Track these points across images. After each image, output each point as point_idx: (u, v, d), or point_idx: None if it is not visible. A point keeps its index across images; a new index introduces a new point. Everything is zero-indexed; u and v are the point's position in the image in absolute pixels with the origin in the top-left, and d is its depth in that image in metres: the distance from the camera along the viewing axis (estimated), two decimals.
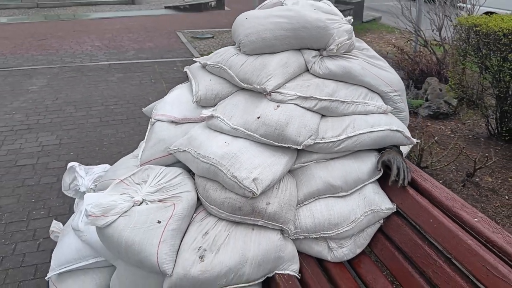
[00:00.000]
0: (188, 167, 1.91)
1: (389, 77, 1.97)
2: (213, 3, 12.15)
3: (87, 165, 2.45)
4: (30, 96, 5.27)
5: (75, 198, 2.50)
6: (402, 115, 2.03)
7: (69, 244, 2.04)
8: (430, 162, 3.37)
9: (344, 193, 1.80)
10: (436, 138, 3.55)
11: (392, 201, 1.82)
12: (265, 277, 1.69)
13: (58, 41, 8.14)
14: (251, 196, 1.61)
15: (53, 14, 11.16)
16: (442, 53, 5.40)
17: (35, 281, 2.37)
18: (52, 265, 2.04)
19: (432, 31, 5.51)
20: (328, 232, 1.77)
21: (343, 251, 1.81)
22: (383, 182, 1.87)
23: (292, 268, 1.72)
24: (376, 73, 1.93)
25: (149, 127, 2.15)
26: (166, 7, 12.14)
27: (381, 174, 1.85)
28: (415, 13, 5.87)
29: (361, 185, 1.83)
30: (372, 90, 1.93)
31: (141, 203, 1.74)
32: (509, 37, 3.35)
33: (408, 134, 1.91)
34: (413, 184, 1.77)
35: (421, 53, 5.64)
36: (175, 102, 2.11)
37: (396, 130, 1.85)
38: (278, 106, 1.78)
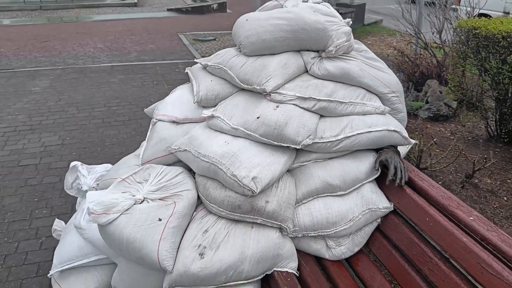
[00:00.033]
0: (188, 166, 1.94)
1: (387, 79, 2.00)
2: (215, 6, 12.21)
3: (89, 165, 2.48)
4: (33, 97, 5.31)
5: (77, 198, 2.53)
6: (400, 115, 2.06)
7: (71, 242, 2.07)
8: (430, 164, 3.39)
9: (342, 192, 1.83)
10: (435, 139, 3.57)
11: (389, 200, 1.85)
12: (264, 274, 1.72)
13: (61, 43, 8.20)
14: (251, 194, 1.64)
15: (56, 16, 11.23)
16: (443, 56, 5.43)
17: (38, 279, 2.40)
18: (55, 262, 2.07)
19: (433, 33, 5.54)
20: (326, 230, 1.79)
21: (341, 250, 1.84)
22: (380, 181, 1.89)
23: (291, 265, 1.75)
24: (375, 74, 1.96)
25: (150, 127, 2.18)
26: (168, 10, 12.21)
27: (378, 173, 1.88)
28: (416, 16, 5.89)
29: (359, 185, 1.85)
30: (370, 91, 1.96)
31: (142, 201, 1.77)
32: (508, 39, 3.38)
33: (406, 134, 1.93)
34: (410, 183, 1.80)
35: (422, 55, 5.67)
36: (176, 103, 2.14)
37: (394, 131, 1.87)
38: (277, 106, 1.81)
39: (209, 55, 2.24)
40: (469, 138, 4.16)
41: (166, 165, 2.00)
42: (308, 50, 1.99)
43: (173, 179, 1.88)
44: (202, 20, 10.81)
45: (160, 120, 2.09)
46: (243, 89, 2.00)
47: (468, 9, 5.23)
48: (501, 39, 3.42)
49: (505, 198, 3.17)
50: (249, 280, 1.69)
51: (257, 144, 1.80)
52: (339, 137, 1.79)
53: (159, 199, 1.78)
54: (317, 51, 1.98)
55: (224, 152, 1.75)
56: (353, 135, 1.81)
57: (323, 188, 1.80)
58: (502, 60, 3.49)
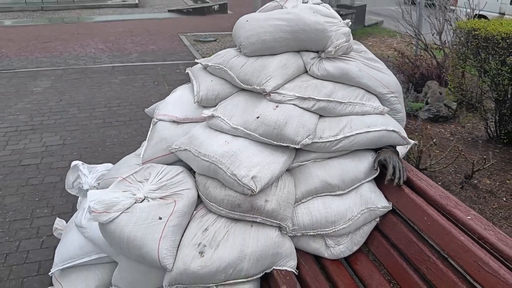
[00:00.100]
0: (189, 166, 1.96)
1: (386, 79, 2.01)
2: (216, 7, 12.24)
3: (90, 164, 2.49)
4: (34, 97, 5.33)
5: (78, 197, 2.55)
6: (398, 116, 2.07)
7: (72, 240, 2.08)
8: (429, 164, 3.41)
9: (341, 192, 1.84)
10: (434, 140, 3.58)
11: (388, 199, 1.86)
12: (263, 272, 1.73)
13: (62, 43, 8.23)
14: (250, 193, 1.65)
15: (57, 17, 11.26)
16: (443, 57, 5.45)
17: (39, 277, 2.42)
18: (56, 260, 2.08)
19: (433, 35, 5.56)
20: (325, 229, 1.81)
21: (340, 248, 1.85)
22: (379, 181, 1.91)
23: (290, 264, 1.76)
24: (374, 75, 1.97)
25: (151, 126, 2.19)
26: (169, 11, 12.23)
27: (377, 173, 1.89)
28: (416, 17, 5.91)
29: (358, 184, 1.87)
30: (369, 92, 1.97)
31: (143, 200, 1.78)
32: (507, 41, 3.40)
33: (404, 134, 1.95)
34: (409, 183, 1.81)
35: (422, 57, 5.69)
36: (176, 103, 2.16)
37: (393, 131, 1.89)
38: (277, 106, 1.83)
39: (210, 56, 2.26)
40: (469, 139, 4.17)
41: (167, 164, 2.02)
42: (307, 51, 2.00)
43: (174, 178, 1.89)
44: (203, 21, 10.83)
45: (160, 120, 2.11)
46: (243, 89, 2.02)
47: (468, 10, 5.25)
48: (500, 40, 3.43)
49: (504, 199, 3.18)
50: (249, 279, 1.70)
51: (257, 143, 1.82)
52: (338, 137, 1.81)
53: (160, 198, 1.80)
54: (317, 52, 1.99)
55: (224, 152, 1.76)
56: (352, 135, 1.82)
57: (322, 188, 1.82)
58: (501, 61, 3.51)
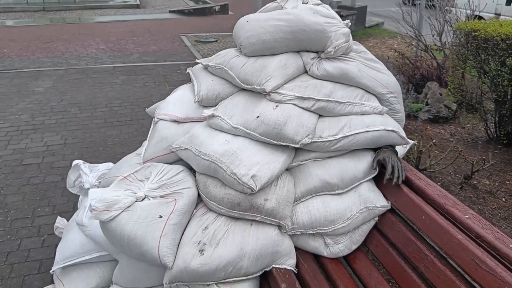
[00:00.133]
0: (189, 165, 1.97)
1: (385, 79, 2.03)
2: (217, 8, 12.26)
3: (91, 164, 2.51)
4: (36, 97, 5.35)
5: (79, 196, 2.57)
6: (398, 116, 2.08)
7: (74, 238, 2.10)
8: (429, 165, 3.42)
9: (340, 191, 1.86)
10: (434, 140, 3.59)
11: (386, 198, 1.87)
12: (263, 271, 1.74)
13: (63, 43, 8.25)
14: (250, 192, 1.67)
15: (59, 18, 11.29)
16: (443, 58, 5.46)
17: (40, 275, 2.43)
18: (57, 258, 2.10)
19: (433, 36, 5.57)
20: (324, 228, 1.82)
21: (339, 247, 1.86)
22: (378, 180, 1.92)
23: (289, 262, 1.77)
24: (373, 75, 1.99)
25: (152, 126, 2.21)
26: (170, 11, 12.26)
27: (376, 172, 1.91)
28: (416, 18, 5.92)
29: (357, 183, 1.88)
30: (368, 92, 1.99)
31: (143, 198, 1.80)
32: (507, 42, 3.41)
33: (403, 134, 1.96)
34: (407, 182, 1.83)
35: (422, 58, 5.70)
36: (177, 102, 2.17)
37: (391, 130, 1.90)
38: (277, 106, 1.84)
39: (211, 56, 2.27)
40: (469, 140, 4.18)
41: (167, 163, 2.03)
42: (307, 51, 2.02)
43: (174, 177, 1.91)
44: (204, 22, 10.85)
45: (161, 119, 2.13)
46: (243, 89, 2.03)
47: (468, 11, 5.26)
48: (500, 42, 3.45)
49: (504, 199, 3.19)
50: (248, 277, 1.72)
51: (257, 143, 1.83)
52: (338, 137, 1.82)
53: (160, 197, 1.81)
54: (316, 52, 2.01)
55: (224, 151, 1.78)
56: (351, 135, 1.84)
57: (322, 187, 1.83)
58: (501, 62, 3.52)
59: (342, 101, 1.89)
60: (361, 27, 9.88)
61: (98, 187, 2.28)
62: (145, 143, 2.29)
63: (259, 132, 1.80)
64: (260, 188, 1.68)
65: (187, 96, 2.20)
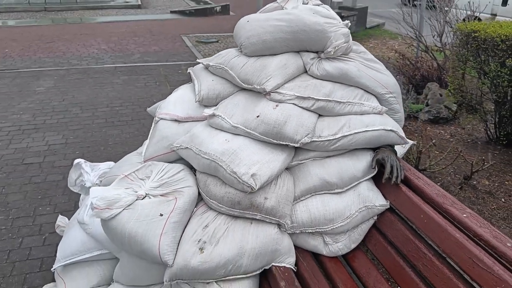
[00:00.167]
0: (189, 164, 1.99)
1: (385, 79, 2.04)
2: (218, 8, 12.28)
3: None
4: (37, 97, 5.38)
5: (80, 195, 2.58)
6: (397, 116, 2.10)
7: (75, 236, 2.11)
8: (428, 165, 3.43)
9: (339, 190, 1.87)
10: (434, 141, 3.60)
11: (385, 198, 1.89)
12: (262, 269, 1.76)
13: (65, 44, 8.27)
14: (250, 191, 1.68)
15: (60, 18, 11.32)
16: (443, 59, 5.47)
17: (41, 273, 2.45)
18: (58, 256, 2.11)
19: (433, 37, 5.58)
20: (324, 227, 1.83)
21: (338, 246, 1.88)
22: (377, 179, 1.93)
23: (289, 261, 1.79)
24: (372, 75, 2.00)
25: (153, 125, 2.23)
26: (171, 12, 12.28)
27: (375, 172, 1.92)
28: (417, 19, 5.93)
29: (356, 183, 1.89)
30: (368, 92, 2.00)
31: (144, 197, 1.81)
32: (507, 43, 3.42)
33: (402, 134, 1.97)
34: (406, 181, 1.84)
35: (422, 58, 5.71)
36: (178, 102, 2.19)
37: (391, 130, 1.91)
38: (277, 106, 1.86)
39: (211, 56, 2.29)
40: (469, 140, 4.19)
41: (168, 162, 2.05)
42: (307, 51, 2.03)
43: (175, 176, 1.92)
44: (205, 22, 10.88)
45: (162, 118, 2.14)
46: (243, 89, 2.05)
47: (468, 12, 5.28)
48: (500, 42, 3.46)
49: (503, 200, 3.20)
50: (248, 275, 1.73)
51: (257, 142, 1.85)
52: (337, 136, 1.83)
53: (161, 195, 1.83)
54: (316, 52, 2.02)
55: (225, 150, 1.79)
56: (351, 134, 1.85)
57: (321, 186, 1.85)
58: (501, 63, 3.53)
59: (342, 101, 1.90)
60: (362, 28, 9.89)
61: (99, 185, 2.30)
62: (146, 142, 2.31)
63: (259, 131, 1.81)
64: (260, 186, 1.69)
65: (187, 95, 2.21)
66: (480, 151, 3.94)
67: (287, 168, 1.89)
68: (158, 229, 1.68)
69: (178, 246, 1.70)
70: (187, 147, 1.93)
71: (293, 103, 1.87)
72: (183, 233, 1.75)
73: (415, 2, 6.28)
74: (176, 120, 2.12)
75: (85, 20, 11.05)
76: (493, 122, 4.04)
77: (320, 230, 1.84)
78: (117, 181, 1.91)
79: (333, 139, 1.83)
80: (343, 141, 1.84)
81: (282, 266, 1.75)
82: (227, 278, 1.70)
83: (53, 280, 2.23)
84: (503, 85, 3.59)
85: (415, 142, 2.92)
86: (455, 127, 4.50)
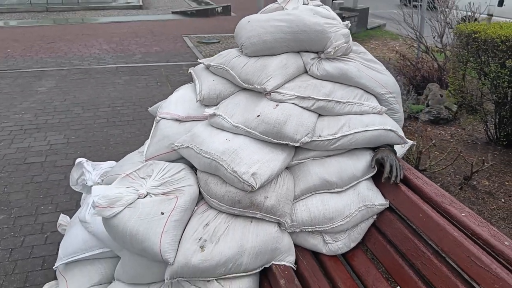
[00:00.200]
0: (190, 163, 2.00)
1: (384, 80, 2.05)
2: (219, 9, 12.31)
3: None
4: (39, 97, 5.40)
5: (81, 194, 2.60)
6: (396, 116, 2.11)
7: (76, 235, 2.13)
8: (428, 165, 3.44)
9: (339, 189, 1.89)
10: (434, 141, 3.61)
11: (385, 197, 1.90)
12: (263, 267, 1.77)
13: (66, 44, 8.30)
14: (250, 190, 1.69)
15: (62, 18, 11.35)
16: (444, 60, 5.48)
17: (43, 272, 2.47)
18: (60, 255, 2.13)
19: (434, 38, 5.60)
20: (324, 226, 1.85)
21: (338, 245, 1.89)
22: (376, 179, 1.95)
23: (288, 259, 1.80)
24: (372, 75, 2.02)
25: (154, 124, 2.24)
26: (173, 12, 12.31)
27: (375, 171, 1.93)
28: (418, 20, 5.94)
29: (356, 182, 1.91)
30: (367, 92, 2.01)
31: (145, 195, 1.83)
32: (507, 44, 3.43)
33: (402, 133, 1.99)
34: (405, 181, 1.85)
35: (423, 59, 5.72)
36: (179, 101, 2.20)
37: (390, 130, 1.93)
38: (277, 105, 1.87)
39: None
40: (469, 141, 4.20)
41: (169, 161, 2.06)
42: (307, 51, 2.05)
43: (176, 175, 1.94)
44: (206, 23, 10.90)
45: (163, 118, 2.16)
46: (244, 89, 2.06)
47: (468, 13, 5.29)
48: (500, 43, 3.47)
49: (503, 200, 3.21)
50: (248, 273, 1.74)
51: (257, 141, 1.86)
52: (337, 136, 1.85)
53: (162, 194, 1.84)
54: (316, 52, 2.04)
55: (225, 149, 1.81)
56: (351, 134, 1.86)
57: (321, 185, 1.86)
58: (501, 64, 3.54)
59: (342, 100, 1.92)
60: (363, 29, 9.91)
61: (101, 184, 2.31)
62: (147, 142, 2.32)
63: (260, 130, 1.83)
64: (260, 185, 1.70)
65: (188, 95, 2.23)
66: (480, 151, 3.95)
67: (287, 167, 1.91)
68: (159, 228, 1.70)
69: (179, 244, 1.72)
70: (188, 147, 1.95)
71: (293, 103, 1.88)
72: (184, 231, 1.77)
73: (415, 3, 6.29)
74: (177, 120, 2.14)
75: (86, 20, 11.09)
76: (493, 122, 4.05)
77: (319, 229, 1.85)
78: (118, 180, 1.92)
79: (333, 139, 1.84)
80: (343, 141, 1.86)
81: (282, 265, 1.77)
82: (227, 276, 1.72)
83: (55, 278, 2.25)
84: (503, 86, 3.60)
85: (414, 142, 2.93)
86: (455, 128, 4.51)
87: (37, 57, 7.29)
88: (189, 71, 2.41)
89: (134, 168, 1.99)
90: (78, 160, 2.42)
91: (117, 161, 2.49)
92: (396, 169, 1.85)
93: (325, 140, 1.84)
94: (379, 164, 1.93)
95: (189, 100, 2.19)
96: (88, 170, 2.38)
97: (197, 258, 1.65)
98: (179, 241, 1.72)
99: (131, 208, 1.76)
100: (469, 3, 5.32)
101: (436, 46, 5.62)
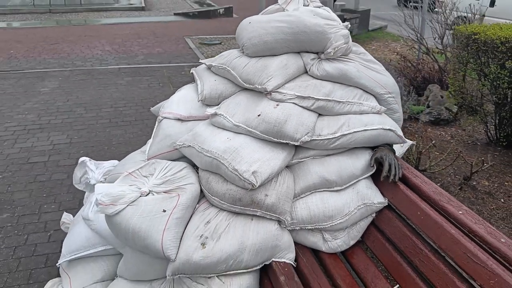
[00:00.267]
0: (192, 162, 2.03)
1: (384, 80, 2.08)
2: (221, 10, 12.35)
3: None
4: (42, 97, 5.44)
5: (84, 193, 2.63)
6: (396, 116, 2.14)
7: (79, 232, 2.16)
8: (428, 166, 3.46)
9: (338, 188, 1.91)
10: (434, 141, 3.64)
11: (384, 195, 1.93)
12: (263, 264, 1.80)
13: (69, 45, 8.35)
14: (251, 188, 1.72)
15: (65, 19, 11.41)
16: (444, 61, 5.50)
17: (46, 269, 2.50)
18: (63, 252, 2.16)
19: (434, 39, 5.62)
20: (323, 224, 1.87)
21: (337, 243, 1.91)
22: (376, 178, 1.97)
23: (288, 256, 1.83)
24: (372, 75, 2.04)
25: (156, 124, 2.27)
26: (175, 14, 12.36)
27: (374, 170, 1.96)
28: (418, 22, 5.97)
29: (355, 181, 1.93)
30: (367, 92, 2.04)
31: (148, 193, 1.85)
32: (506, 45, 3.45)
33: (401, 133, 2.01)
34: (404, 180, 1.88)
35: (424, 60, 5.75)
36: (181, 101, 2.23)
37: (389, 129, 1.95)
38: (277, 105, 1.90)
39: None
40: (469, 141, 4.22)
41: (171, 160, 2.09)
42: (307, 52, 2.08)
43: (177, 173, 1.96)
44: (208, 25, 10.94)
45: (165, 117, 2.19)
46: (245, 89, 2.09)
47: (469, 15, 5.32)
48: (499, 45, 3.49)
49: (502, 200, 3.23)
50: (249, 270, 1.77)
51: (258, 140, 1.89)
52: (336, 135, 1.87)
53: (164, 192, 1.87)
54: (317, 53, 2.07)
55: (226, 148, 1.83)
56: (350, 133, 1.89)
57: (320, 183, 1.88)
58: (500, 65, 3.56)
59: (341, 100, 1.94)
60: (364, 30, 9.93)
61: (104, 183, 2.34)
62: (150, 141, 2.35)
63: (260, 130, 1.86)
64: (261, 184, 1.73)
65: (190, 95, 2.26)
66: (480, 152, 3.97)
67: (287, 166, 1.93)
68: (161, 225, 1.72)
69: (180, 241, 1.74)
70: (190, 145, 1.98)
71: (293, 103, 1.91)
72: (185, 228, 1.79)
73: (415, 4, 6.32)
74: (179, 119, 2.17)
75: (89, 22, 11.14)
76: (493, 123, 4.07)
77: (319, 227, 1.88)
78: (121, 178, 1.95)
79: (332, 138, 1.87)
80: (343, 140, 1.88)
81: (282, 262, 1.79)
82: (228, 272, 1.74)
83: (58, 276, 2.28)
84: (503, 87, 3.63)
85: (414, 142, 2.96)
86: (455, 129, 4.53)
87: (40, 58, 7.34)
88: (191, 71, 2.44)
89: (136, 167, 2.02)
90: (81, 159, 2.45)
91: (119, 160, 2.52)
92: (395, 168, 1.87)
93: (325, 139, 1.87)
94: (378, 163, 1.96)
95: (191, 100, 2.22)
96: (91, 169, 2.41)
97: (198, 254, 1.68)
98: (181, 238, 1.75)
99: (134, 205, 1.79)
100: (469, 5, 5.34)
101: (437, 48, 5.65)
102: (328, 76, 1.99)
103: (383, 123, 1.95)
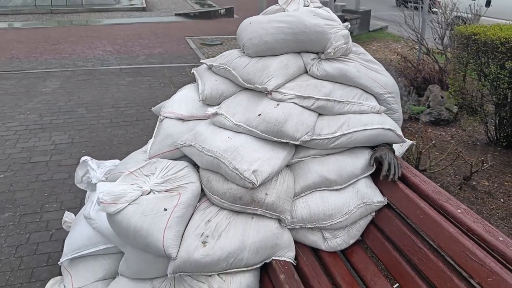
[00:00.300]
0: (193, 161, 2.04)
1: (383, 80, 2.09)
2: (222, 11, 12.37)
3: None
4: (44, 97, 5.46)
5: (86, 193, 2.64)
6: (395, 115, 2.15)
7: (81, 231, 2.17)
8: (428, 166, 3.47)
9: (338, 187, 1.92)
10: (434, 142, 3.65)
11: (383, 194, 1.94)
12: (263, 262, 1.81)
13: (71, 45, 8.37)
14: (251, 187, 1.73)
15: (66, 20, 11.44)
16: (445, 61, 5.52)
17: (48, 268, 2.51)
18: (65, 250, 2.17)
19: (435, 39, 5.63)
20: (323, 222, 1.88)
21: (337, 241, 1.93)
22: (375, 177, 1.98)
23: (288, 255, 1.84)
24: (371, 75, 2.06)
25: (157, 123, 2.29)
26: (176, 14, 12.38)
27: (373, 169, 1.97)
28: (419, 22, 5.99)
29: (355, 180, 1.94)
30: (367, 92, 2.05)
31: (149, 192, 1.87)
32: (506, 45, 3.47)
33: (400, 133, 2.03)
34: (403, 179, 1.89)
35: (424, 61, 5.76)
36: (182, 101, 2.25)
37: (389, 129, 1.97)
38: (278, 105, 1.92)
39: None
40: (469, 142, 4.23)
41: (172, 159, 2.10)
42: (308, 52, 2.09)
43: (178, 172, 1.98)
44: (209, 25, 10.96)
45: (167, 117, 2.20)
46: (246, 88, 2.10)
47: (470, 15, 5.33)
48: (499, 45, 3.50)
49: (502, 200, 3.24)
50: (249, 268, 1.78)
51: (258, 140, 1.90)
52: (336, 134, 1.89)
53: (165, 191, 1.88)
54: (317, 53, 2.08)
55: (227, 147, 1.85)
56: (350, 133, 1.90)
57: (320, 182, 1.90)
58: (500, 66, 3.58)
59: (341, 100, 1.96)
60: (365, 31, 9.94)
61: (105, 182, 2.35)
62: (151, 140, 2.37)
63: (261, 129, 1.87)
64: (261, 183, 1.74)
65: (191, 95, 2.27)
66: (480, 152, 3.98)
67: (288, 165, 1.94)
68: (162, 223, 1.74)
69: (181, 240, 1.75)
70: (191, 145, 1.99)
71: (293, 102, 1.93)
72: (186, 227, 1.81)
73: (415, 4, 6.33)
74: (180, 119, 2.18)
75: (90, 22, 11.17)
76: (493, 124, 4.08)
77: (319, 226, 1.89)
78: (123, 177, 1.96)
79: (332, 137, 1.88)
80: (342, 139, 1.90)
81: (282, 260, 1.80)
82: (228, 271, 1.75)
83: (60, 274, 2.29)
84: (503, 87, 3.64)
85: (413, 142, 2.97)
86: (455, 129, 4.54)
87: (41, 58, 7.36)
88: (192, 71, 2.46)
89: (138, 166, 2.04)
90: (83, 158, 2.47)
91: (120, 160, 2.54)
92: (394, 167, 1.88)
93: (325, 138, 1.88)
94: (378, 162, 1.97)
95: (192, 100, 2.23)
96: (93, 168, 2.43)
97: (199, 253, 1.69)
98: (182, 237, 1.76)
99: (135, 204, 1.80)
100: (470, 5, 5.35)
101: (437, 48, 5.66)
102: (328, 76, 2.01)
103: (383, 123, 1.97)
